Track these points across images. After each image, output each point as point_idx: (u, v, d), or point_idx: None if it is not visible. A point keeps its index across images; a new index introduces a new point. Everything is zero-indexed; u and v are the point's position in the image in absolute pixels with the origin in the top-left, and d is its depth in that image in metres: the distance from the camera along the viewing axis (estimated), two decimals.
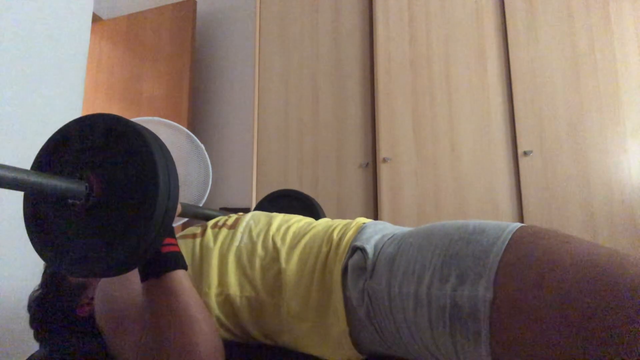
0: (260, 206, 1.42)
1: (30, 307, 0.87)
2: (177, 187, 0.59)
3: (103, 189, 0.58)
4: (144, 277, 0.64)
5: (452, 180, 1.88)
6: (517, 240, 0.56)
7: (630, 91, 1.75)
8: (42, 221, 0.61)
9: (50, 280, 0.88)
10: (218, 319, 0.76)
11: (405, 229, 0.74)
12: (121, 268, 0.58)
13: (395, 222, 1.90)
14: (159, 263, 0.64)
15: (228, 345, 0.78)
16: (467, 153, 1.89)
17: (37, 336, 0.87)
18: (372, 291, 0.64)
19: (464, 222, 0.63)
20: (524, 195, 1.79)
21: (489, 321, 0.52)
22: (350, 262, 0.69)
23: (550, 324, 0.48)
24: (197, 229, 0.89)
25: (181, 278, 0.65)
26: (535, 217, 1.76)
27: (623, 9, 1.81)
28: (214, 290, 0.77)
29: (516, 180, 1.82)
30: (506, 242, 0.56)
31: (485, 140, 1.88)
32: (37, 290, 0.88)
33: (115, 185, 0.58)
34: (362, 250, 0.68)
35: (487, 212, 1.82)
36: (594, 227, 1.70)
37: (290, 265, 0.75)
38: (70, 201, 0.57)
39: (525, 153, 1.81)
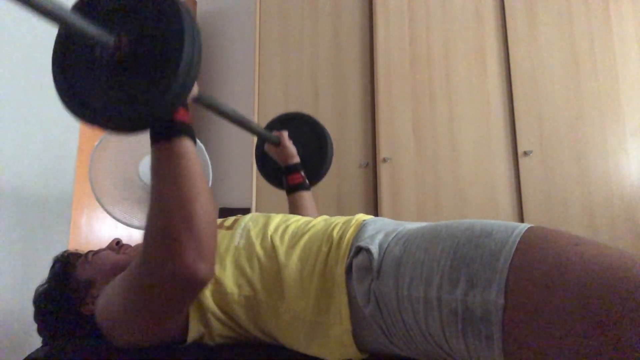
0: (271, 125, 1.40)
1: (35, 301, 0.87)
2: (200, 53, 0.62)
3: (130, 45, 0.61)
4: (154, 140, 0.67)
5: (452, 180, 1.88)
6: (526, 244, 0.56)
7: (630, 91, 1.75)
8: (69, 70, 0.65)
9: (57, 276, 0.88)
10: (215, 316, 0.76)
11: (408, 225, 0.73)
12: (138, 124, 0.62)
13: None
14: (171, 127, 0.66)
15: (227, 345, 0.78)
16: (467, 153, 1.89)
17: (40, 331, 0.87)
18: (379, 292, 0.64)
19: (470, 224, 0.63)
20: (524, 195, 1.79)
21: (501, 325, 0.52)
22: (355, 262, 0.69)
23: (561, 328, 0.49)
24: None
25: (189, 146, 0.67)
26: (535, 217, 1.76)
27: (623, 9, 1.81)
28: (210, 287, 0.76)
29: (516, 180, 1.82)
30: (515, 245, 0.56)
31: (485, 140, 1.88)
32: (44, 284, 0.89)
33: (143, 43, 0.61)
34: (367, 251, 0.67)
35: (487, 212, 1.82)
36: (594, 227, 1.70)
37: (290, 265, 0.74)
38: (98, 52, 0.61)
39: (525, 153, 1.81)
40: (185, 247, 0.61)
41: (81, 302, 0.83)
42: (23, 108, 1.33)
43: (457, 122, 1.92)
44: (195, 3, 2.79)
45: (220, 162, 2.74)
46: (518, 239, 0.56)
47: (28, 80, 1.35)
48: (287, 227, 0.83)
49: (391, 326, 0.64)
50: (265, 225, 0.84)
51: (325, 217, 0.87)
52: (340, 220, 0.81)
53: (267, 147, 1.33)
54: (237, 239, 0.82)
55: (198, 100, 0.88)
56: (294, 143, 1.32)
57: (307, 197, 1.30)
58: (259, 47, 2.34)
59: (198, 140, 1.71)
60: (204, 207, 0.64)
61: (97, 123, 0.62)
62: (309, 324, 0.71)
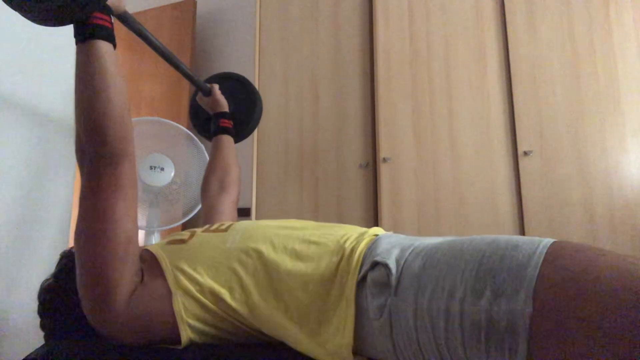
0: (208, 80, 1.46)
1: (39, 296, 0.88)
2: None
3: None
4: (75, 42, 0.79)
5: (452, 180, 1.88)
6: (554, 254, 0.56)
7: (630, 91, 1.75)
8: None
9: (62, 271, 0.88)
10: (209, 312, 0.75)
11: (425, 240, 0.72)
12: (53, 16, 0.75)
13: (395, 222, 1.90)
14: (85, 30, 0.78)
15: (226, 346, 0.78)
16: (467, 153, 1.89)
17: (42, 325, 0.87)
18: (396, 308, 0.63)
19: (494, 238, 0.62)
20: (524, 195, 1.79)
21: (528, 335, 0.52)
22: (371, 276, 0.67)
23: (590, 337, 0.48)
24: (185, 235, 0.87)
25: (103, 48, 0.79)
26: (536, 217, 1.76)
27: (623, 9, 1.80)
28: (195, 286, 0.76)
29: (516, 180, 1.82)
30: (542, 255, 0.55)
31: (485, 140, 1.88)
32: (49, 279, 0.89)
33: None
34: (385, 266, 0.66)
35: (487, 212, 1.82)
36: (594, 227, 1.70)
37: (295, 272, 0.73)
38: None
39: (525, 153, 1.81)
40: (88, 135, 0.76)
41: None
42: (23, 108, 1.33)
43: (457, 122, 1.92)
44: (195, 3, 2.79)
45: None
46: (545, 250, 0.56)
47: (28, 80, 1.35)
48: (289, 233, 0.81)
49: (401, 342, 0.63)
50: (263, 229, 0.83)
51: (333, 224, 0.85)
52: (352, 233, 0.79)
53: (198, 97, 1.41)
54: (230, 241, 0.81)
55: (122, 17, 0.95)
56: (227, 99, 1.40)
57: (231, 141, 1.39)
58: (259, 47, 2.34)
59: (198, 140, 1.72)
60: (118, 102, 0.77)
61: (19, 8, 0.74)
62: (307, 332, 0.70)
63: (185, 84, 2.69)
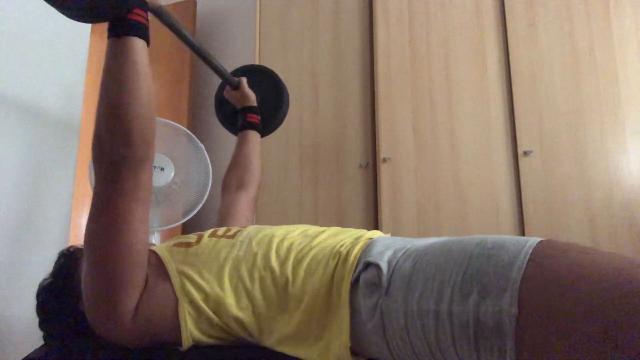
0: (234, 73, 1.44)
1: (38, 295, 0.88)
2: None
3: None
4: (108, 36, 0.76)
5: (452, 180, 1.88)
6: (539, 254, 0.56)
7: (630, 91, 1.75)
8: None
9: (60, 270, 0.88)
10: (209, 321, 0.75)
11: (417, 242, 0.72)
12: (93, 13, 0.72)
13: (395, 223, 1.91)
14: (122, 25, 0.74)
15: (225, 347, 0.78)
16: (467, 153, 1.89)
17: (41, 325, 0.87)
18: (387, 309, 0.64)
19: (482, 238, 0.63)
20: (524, 195, 1.79)
21: (515, 336, 0.52)
22: (363, 277, 0.68)
23: (576, 335, 0.48)
24: (192, 238, 0.87)
25: (137, 46, 0.75)
26: (535, 217, 1.76)
27: (623, 9, 1.80)
28: (201, 295, 0.76)
29: (516, 180, 1.82)
30: (527, 256, 0.56)
31: (485, 140, 1.88)
32: (48, 278, 0.89)
33: None
34: (377, 266, 0.67)
35: (487, 212, 1.82)
36: (594, 227, 1.70)
37: (295, 279, 0.74)
38: None
39: (525, 153, 1.81)
40: (112, 135, 0.71)
41: (79, 297, 0.82)
42: (23, 109, 1.33)
43: (457, 122, 1.92)
44: (195, 3, 2.79)
45: (220, 163, 2.74)
46: (530, 250, 0.56)
47: (28, 80, 1.35)
48: (292, 241, 0.81)
49: (394, 342, 0.64)
50: (269, 237, 0.83)
51: (336, 230, 0.85)
52: (349, 236, 0.79)
53: (226, 91, 1.39)
54: (238, 248, 0.81)
55: (158, 11, 0.94)
56: (253, 92, 1.39)
57: (258, 138, 1.36)
58: (259, 47, 2.34)
59: (198, 141, 1.72)
60: (139, 101, 0.73)
61: (56, 4, 0.71)
62: (312, 339, 0.70)
63: (185, 84, 2.69)
